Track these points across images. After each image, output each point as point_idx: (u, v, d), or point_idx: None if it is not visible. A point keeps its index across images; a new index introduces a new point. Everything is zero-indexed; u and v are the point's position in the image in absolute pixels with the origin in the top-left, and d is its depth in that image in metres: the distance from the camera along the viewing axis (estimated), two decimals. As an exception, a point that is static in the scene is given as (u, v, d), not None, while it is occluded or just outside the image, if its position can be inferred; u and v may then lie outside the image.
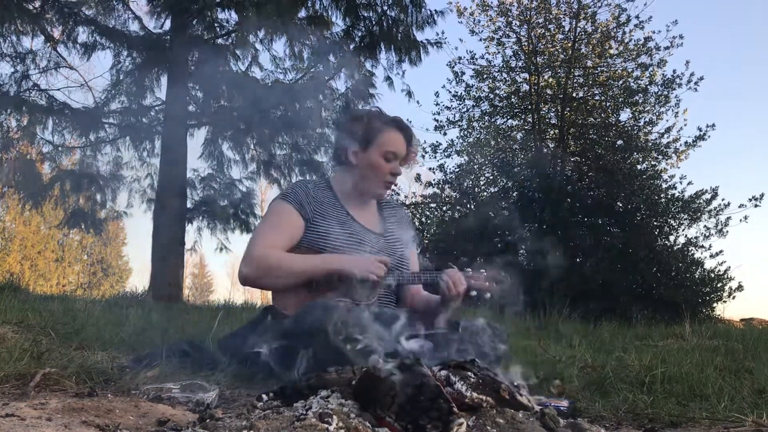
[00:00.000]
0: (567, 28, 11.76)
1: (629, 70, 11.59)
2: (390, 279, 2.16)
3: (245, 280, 2.15)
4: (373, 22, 8.84)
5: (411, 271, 2.34)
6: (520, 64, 12.10)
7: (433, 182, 12.08)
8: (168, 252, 8.37)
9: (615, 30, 11.55)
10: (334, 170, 2.45)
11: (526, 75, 12.08)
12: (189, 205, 9.16)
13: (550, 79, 12.09)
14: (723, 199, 10.57)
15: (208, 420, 1.20)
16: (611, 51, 11.67)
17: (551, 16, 11.73)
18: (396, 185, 2.52)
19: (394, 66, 9.01)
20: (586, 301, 8.48)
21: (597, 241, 10.18)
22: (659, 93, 11.36)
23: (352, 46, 8.86)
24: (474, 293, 2.23)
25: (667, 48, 11.33)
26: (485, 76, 12.19)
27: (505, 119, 12.32)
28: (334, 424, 1.11)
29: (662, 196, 10.67)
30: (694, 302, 9.63)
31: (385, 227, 2.38)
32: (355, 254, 2.15)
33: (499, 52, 12.08)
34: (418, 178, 12.97)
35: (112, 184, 9.47)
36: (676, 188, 10.82)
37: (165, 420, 1.40)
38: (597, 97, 11.79)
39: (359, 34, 8.96)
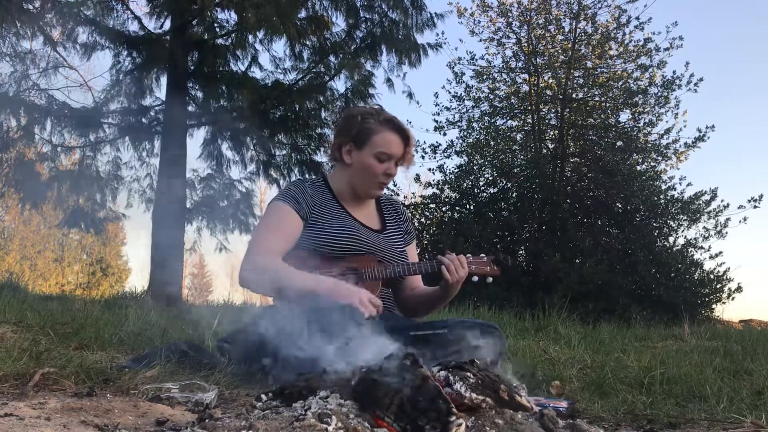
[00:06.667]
0: (567, 29, 11.75)
1: (629, 71, 11.58)
2: (373, 317, 1.96)
3: (243, 283, 2.14)
4: (375, 24, 8.84)
5: (411, 262, 2.32)
6: (520, 64, 12.10)
7: (432, 183, 12.07)
8: (167, 252, 8.36)
9: (615, 31, 11.54)
10: (332, 168, 2.44)
11: (526, 76, 12.08)
12: (188, 205, 9.16)
13: (550, 80, 12.09)
14: (722, 201, 10.58)
15: (207, 420, 1.20)
16: (611, 52, 11.65)
17: (551, 17, 11.72)
18: (394, 184, 2.46)
19: (394, 68, 9.03)
20: (586, 302, 8.47)
21: (596, 242, 10.17)
22: (659, 94, 11.35)
23: (353, 47, 8.86)
24: (476, 278, 2.24)
25: (666, 49, 11.33)
26: (485, 76, 12.18)
27: (505, 120, 12.31)
28: (333, 425, 1.11)
29: (661, 197, 10.66)
30: (693, 303, 9.62)
31: (383, 224, 2.38)
32: (351, 285, 2.03)
33: (499, 53, 12.09)
34: (417, 178, 12.95)
35: (112, 185, 9.47)
36: (675, 189, 10.83)
37: (164, 420, 1.40)
38: (597, 98, 11.78)
39: (360, 35, 8.96)
